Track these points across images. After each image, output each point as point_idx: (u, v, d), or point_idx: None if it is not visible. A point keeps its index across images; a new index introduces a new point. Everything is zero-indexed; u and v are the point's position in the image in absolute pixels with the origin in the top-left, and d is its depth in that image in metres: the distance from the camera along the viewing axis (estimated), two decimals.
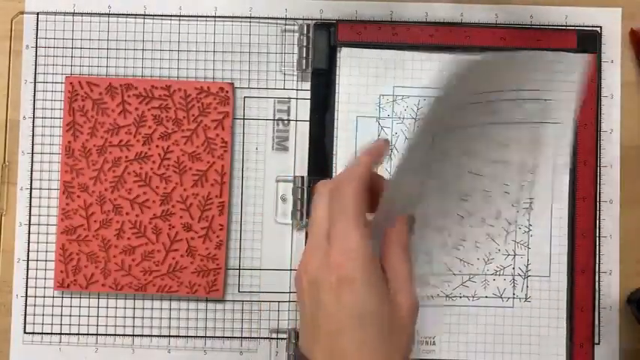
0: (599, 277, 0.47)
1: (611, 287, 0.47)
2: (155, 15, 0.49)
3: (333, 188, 0.35)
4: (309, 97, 0.48)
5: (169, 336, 0.48)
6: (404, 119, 0.48)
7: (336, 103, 0.48)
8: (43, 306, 0.48)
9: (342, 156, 0.48)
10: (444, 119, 0.39)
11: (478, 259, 0.47)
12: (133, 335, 0.48)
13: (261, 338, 0.48)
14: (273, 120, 0.48)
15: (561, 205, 0.47)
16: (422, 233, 0.45)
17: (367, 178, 0.35)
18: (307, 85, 0.48)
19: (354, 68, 0.48)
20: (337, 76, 0.48)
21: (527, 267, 0.48)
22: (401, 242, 0.36)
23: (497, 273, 0.47)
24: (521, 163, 0.46)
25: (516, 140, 0.46)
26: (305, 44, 0.48)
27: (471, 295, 0.47)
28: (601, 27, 0.48)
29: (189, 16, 0.49)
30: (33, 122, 0.48)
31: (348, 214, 0.33)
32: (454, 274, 0.47)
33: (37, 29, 0.49)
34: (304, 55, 0.48)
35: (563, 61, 0.38)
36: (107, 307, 0.48)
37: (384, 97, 0.48)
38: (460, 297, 0.47)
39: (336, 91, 0.48)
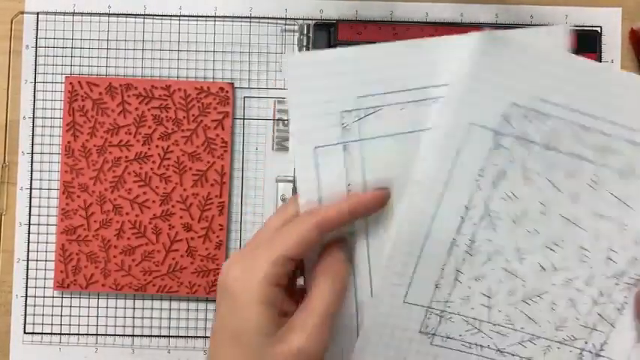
0: None
1: None
2: (155, 15, 0.49)
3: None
4: None
5: (169, 336, 0.48)
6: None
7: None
8: (43, 306, 0.48)
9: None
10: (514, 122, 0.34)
11: (549, 322, 0.39)
12: (133, 335, 0.48)
13: None
14: (273, 120, 0.48)
15: None
16: (485, 270, 0.38)
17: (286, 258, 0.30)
18: None
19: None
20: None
21: (602, 346, 0.39)
22: (331, 272, 0.30)
23: (565, 342, 0.39)
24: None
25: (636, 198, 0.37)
26: (305, 44, 0.48)
27: (527, 357, 0.39)
28: (601, 27, 0.48)
29: (189, 16, 0.49)
30: (33, 122, 0.48)
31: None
32: (514, 330, 0.39)
33: (37, 29, 0.49)
34: None
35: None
36: (107, 307, 0.48)
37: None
38: (513, 355, 0.39)
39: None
